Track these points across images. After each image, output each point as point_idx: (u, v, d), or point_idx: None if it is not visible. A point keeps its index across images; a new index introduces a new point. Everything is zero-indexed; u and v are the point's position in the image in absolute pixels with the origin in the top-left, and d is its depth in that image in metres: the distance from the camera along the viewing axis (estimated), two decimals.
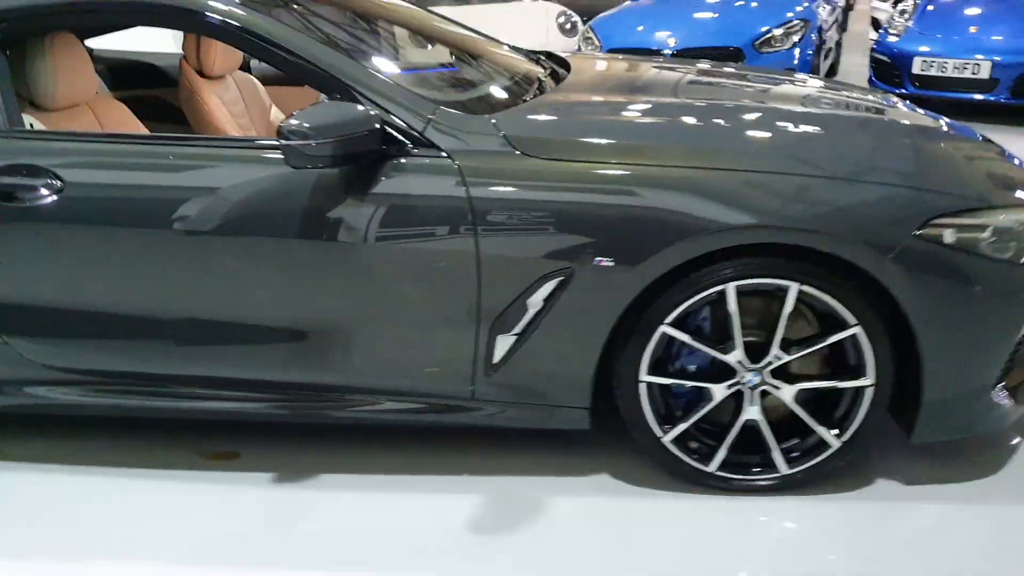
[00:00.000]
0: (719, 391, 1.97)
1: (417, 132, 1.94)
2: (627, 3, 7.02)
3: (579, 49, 6.31)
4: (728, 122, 2.17)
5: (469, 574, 1.87)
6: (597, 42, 6.15)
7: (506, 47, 2.96)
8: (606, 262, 1.87)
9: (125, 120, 2.64)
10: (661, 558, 1.88)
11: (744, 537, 1.96)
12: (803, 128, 2.16)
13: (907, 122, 2.34)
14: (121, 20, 2.64)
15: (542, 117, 2.11)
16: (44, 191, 2.05)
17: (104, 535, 2.05)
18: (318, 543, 1.99)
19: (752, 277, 1.86)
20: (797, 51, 5.82)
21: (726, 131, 2.11)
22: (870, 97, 2.69)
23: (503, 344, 1.99)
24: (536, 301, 1.93)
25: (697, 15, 6.26)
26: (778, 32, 5.81)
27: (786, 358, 1.93)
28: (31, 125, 2.22)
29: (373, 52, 2.45)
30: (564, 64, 2.78)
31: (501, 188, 1.91)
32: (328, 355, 2.11)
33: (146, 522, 2.09)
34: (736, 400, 1.98)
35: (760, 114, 2.26)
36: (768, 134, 2.10)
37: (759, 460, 2.03)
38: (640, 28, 6.10)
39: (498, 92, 2.34)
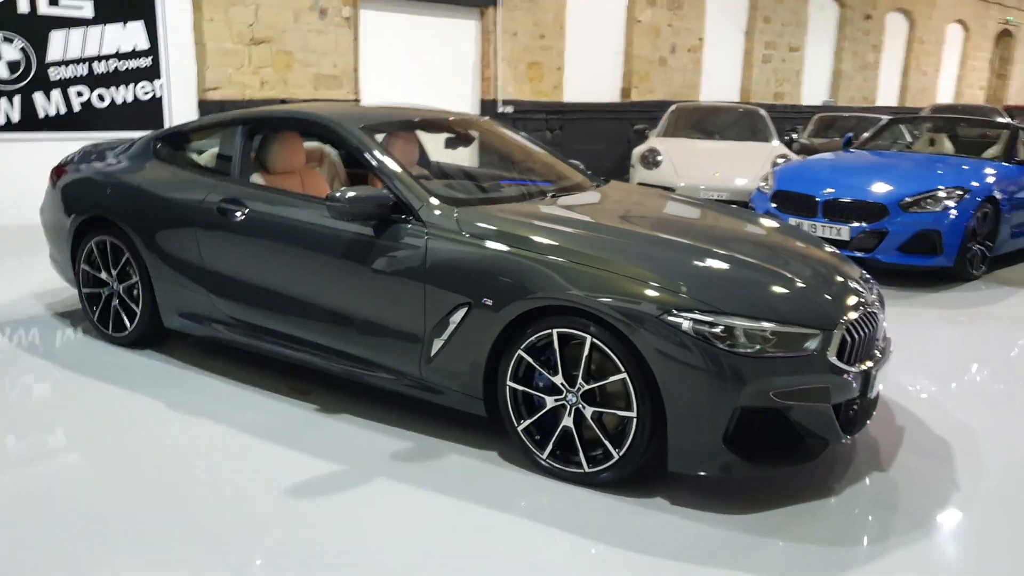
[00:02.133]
0: (549, 401, 2.98)
1: (415, 210, 3.29)
2: (824, 154, 7.70)
3: (761, 186, 7.13)
4: (605, 235, 3.18)
5: (374, 471, 3.07)
6: (771, 183, 6.98)
7: (569, 167, 4.24)
8: (488, 302, 3.03)
9: (316, 184, 4.31)
10: (488, 507, 2.89)
11: (545, 508, 2.88)
12: (639, 246, 3.10)
13: (742, 258, 3.11)
14: (309, 130, 4.26)
15: (488, 215, 3.27)
16: (239, 214, 3.74)
17: (214, 406, 3.62)
18: (316, 442, 3.32)
19: (567, 327, 2.88)
20: (953, 214, 6.12)
21: (597, 241, 3.10)
22: (774, 233, 3.55)
23: (436, 344, 3.20)
24: (455, 320, 3.13)
25: (865, 172, 6.79)
26: (932, 197, 6.17)
27: (586, 387, 2.90)
28: (250, 179, 3.95)
29: (422, 161, 3.87)
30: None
31: (444, 251, 3.16)
32: (353, 335, 3.47)
33: (237, 407, 3.62)
34: (564, 411, 2.98)
35: (633, 236, 3.22)
36: (616, 249, 3.03)
37: (574, 458, 2.97)
38: (807, 178, 6.80)
39: (485, 194, 3.61)
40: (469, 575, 2.49)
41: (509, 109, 10.14)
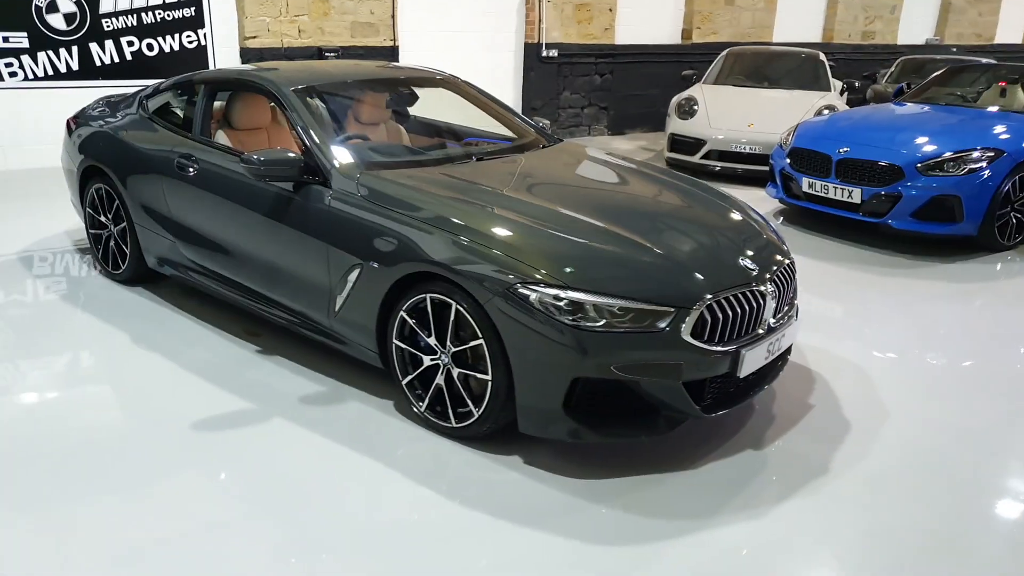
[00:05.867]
0: (426, 360, 3.17)
1: (325, 173, 3.49)
2: (863, 107, 7.32)
3: (784, 139, 6.89)
4: (487, 205, 3.23)
5: (279, 412, 3.37)
6: (790, 138, 6.74)
7: (527, 126, 4.35)
8: (375, 265, 3.22)
9: (284, 140, 4.56)
10: (366, 455, 3.15)
11: (416, 456, 3.11)
12: (513, 217, 3.12)
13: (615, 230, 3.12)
14: (252, 90, 4.29)
15: (386, 181, 3.41)
16: (191, 168, 4.05)
17: (171, 343, 4.02)
18: (242, 382, 3.66)
19: (437, 293, 3.04)
20: (984, 176, 5.76)
21: (473, 211, 3.17)
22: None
23: (339, 300, 3.43)
24: (351, 279, 3.34)
25: (893, 128, 6.41)
26: (958, 159, 5.81)
27: (454, 349, 3.06)
28: (216, 136, 4.23)
29: (345, 126, 4.04)
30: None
31: (344, 211, 3.36)
32: (279, 286, 3.74)
33: (189, 345, 4.02)
34: (438, 370, 3.16)
35: (516, 206, 3.26)
36: (489, 220, 3.11)
37: (445, 413, 3.16)
38: (828, 134, 6.51)
39: (398, 158, 3.79)
40: (327, 515, 2.73)
41: (554, 53, 10.02)
